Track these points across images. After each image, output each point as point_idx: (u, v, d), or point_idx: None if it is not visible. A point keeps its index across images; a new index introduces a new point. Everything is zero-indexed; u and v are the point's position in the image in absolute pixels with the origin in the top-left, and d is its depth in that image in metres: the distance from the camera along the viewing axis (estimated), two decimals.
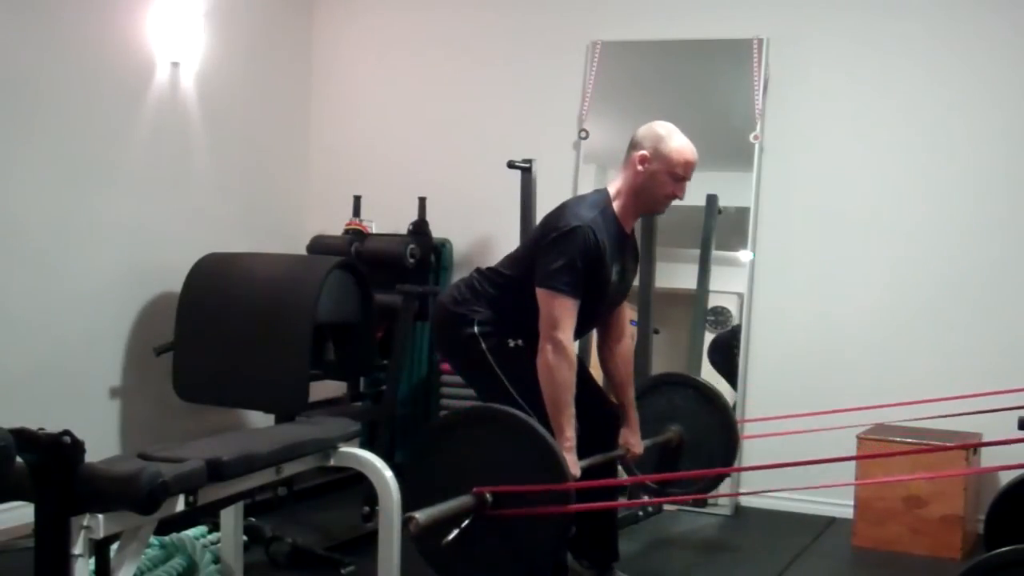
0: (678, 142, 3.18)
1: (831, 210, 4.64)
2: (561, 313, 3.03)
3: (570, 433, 3.02)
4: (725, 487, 4.45)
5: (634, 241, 3.40)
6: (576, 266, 3.04)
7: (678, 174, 3.17)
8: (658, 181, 3.17)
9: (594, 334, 3.66)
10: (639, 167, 3.18)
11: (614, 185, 3.25)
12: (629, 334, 3.50)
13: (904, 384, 4.43)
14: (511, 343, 3.19)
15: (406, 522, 2.58)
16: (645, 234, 4.40)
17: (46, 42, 4.09)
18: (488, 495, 2.77)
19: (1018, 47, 4.37)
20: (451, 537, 2.70)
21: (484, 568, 2.85)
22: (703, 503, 4.59)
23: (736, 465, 3.92)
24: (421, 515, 2.59)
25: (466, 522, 2.73)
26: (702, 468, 3.72)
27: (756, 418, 4.27)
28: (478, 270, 3.36)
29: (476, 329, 3.20)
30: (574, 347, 3.09)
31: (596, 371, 3.62)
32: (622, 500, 4.00)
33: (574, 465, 2.98)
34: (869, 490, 4.13)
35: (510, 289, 3.22)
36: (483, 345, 3.18)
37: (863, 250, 4.59)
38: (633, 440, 3.45)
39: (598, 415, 3.34)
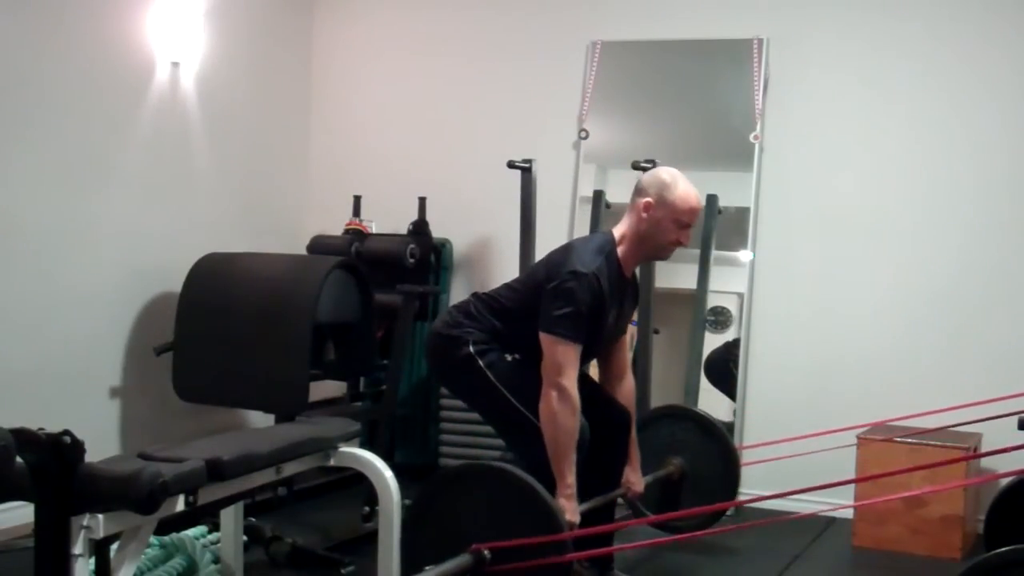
0: (683, 189, 3.19)
1: (831, 210, 4.64)
2: (565, 359, 3.04)
3: (571, 480, 3.03)
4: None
5: (635, 285, 3.43)
6: (581, 313, 3.06)
7: (683, 221, 3.19)
8: (662, 228, 3.19)
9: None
10: (644, 214, 3.19)
11: (619, 229, 3.26)
12: (630, 372, 3.52)
13: (905, 382, 4.44)
14: (508, 357, 3.21)
15: None
16: None
17: (46, 42, 4.09)
18: (486, 552, 2.77)
19: (1018, 47, 4.37)
20: None
21: None
22: None
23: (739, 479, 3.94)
24: None
25: None
26: (704, 500, 3.70)
27: (755, 444, 4.29)
28: (475, 295, 3.37)
29: (472, 348, 3.20)
30: (577, 394, 3.08)
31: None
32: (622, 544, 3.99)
33: (573, 512, 2.99)
34: (869, 490, 4.12)
35: (508, 318, 3.23)
36: (480, 362, 3.19)
37: (863, 250, 4.59)
38: (634, 478, 3.48)
39: (609, 414, 3.35)
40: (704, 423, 3.95)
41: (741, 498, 4.62)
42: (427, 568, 2.65)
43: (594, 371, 3.61)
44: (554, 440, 3.03)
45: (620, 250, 3.22)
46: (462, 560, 2.75)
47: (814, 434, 4.04)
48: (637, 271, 3.43)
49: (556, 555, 2.77)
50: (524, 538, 2.77)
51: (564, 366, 3.04)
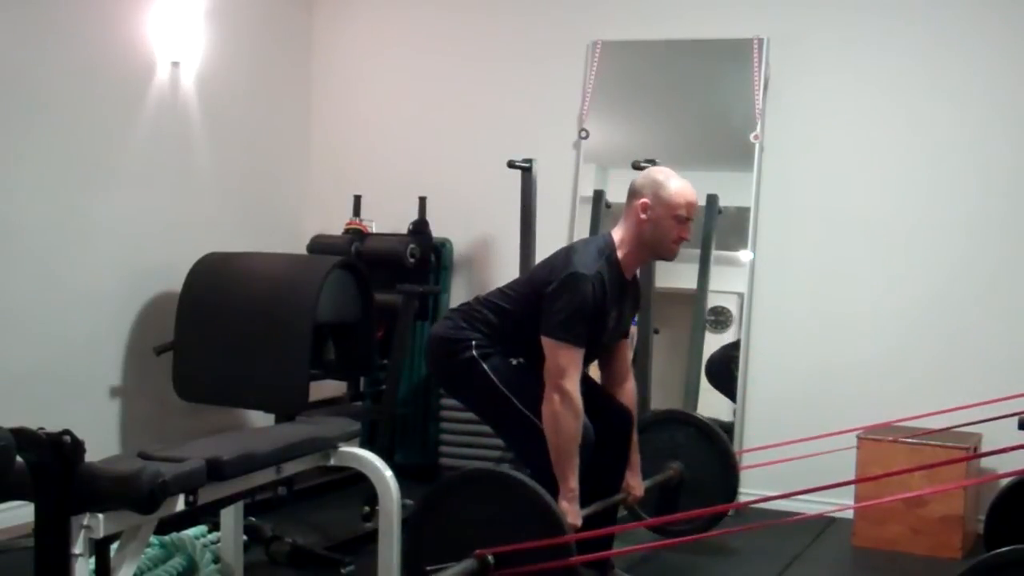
0: (677, 184, 3.20)
1: (831, 210, 4.64)
2: (568, 363, 3.04)
3: (574, 484, 3.04)
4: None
5: (636, 288, 3.42)
6: (583, 316, 3.06)
7: (681, 216, 3.19)
8: (664, 226, 3.19)
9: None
10: (642, 215, 3.19)
11: (618, 232, 3.26)
12: (632, 376, 3.51)
13: (905, 382, 4.43)
14: (513, 361, 3.21)
15: None
16: None
17: (46, 42, 4.09)
18: (490, 557, 2.79)
19: (1018, 47, 4.37)
20: None
21: None
22: None
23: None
24: None
25: None
26: (703, 505, 3.70)
27: (755, 447, 4.29)
28: (476, 299, 3.37)
29: (475, 352, 3.20)
30: (580, 397, 3.08)
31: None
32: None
33: (575, 515, 3.00)
34: (869, 490, 4.12)
35: (509, 321, 3.22)
36: (484, 366, 3.18)
37: (863, 250, 4.59)
38: (634, 483, 3.48)
39: (609, 417, 3.34)
40: (704, 429, 3.95)
41: (742, 498, 4.63)
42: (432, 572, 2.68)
43: (595, 372, 3.61)
44: (556, 444, 3.03)
45: (620, 253, 3.22)
46: (467, 565, 2.77)
47: (814, 437, 4.03)
48: (638, 272, 3.43)
49: (559, 558, 2.78)
50: (527, 542, 2.78)
51: (566, 369, 3.04)
